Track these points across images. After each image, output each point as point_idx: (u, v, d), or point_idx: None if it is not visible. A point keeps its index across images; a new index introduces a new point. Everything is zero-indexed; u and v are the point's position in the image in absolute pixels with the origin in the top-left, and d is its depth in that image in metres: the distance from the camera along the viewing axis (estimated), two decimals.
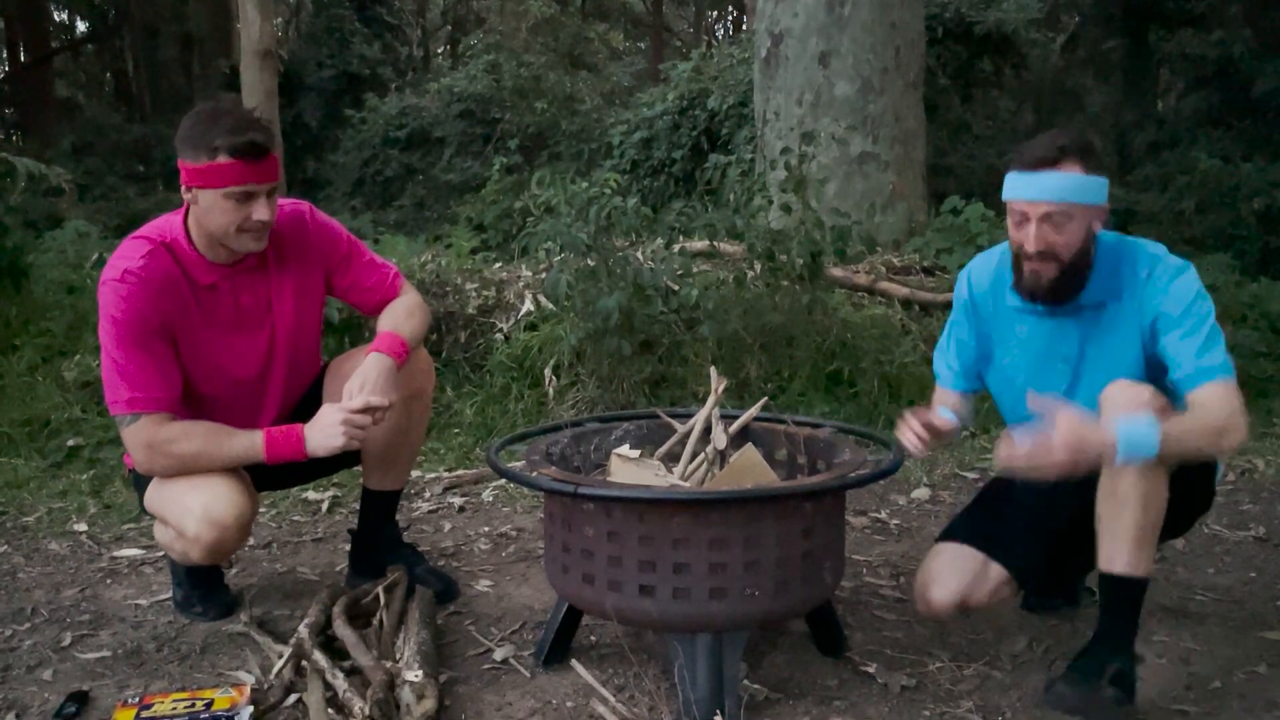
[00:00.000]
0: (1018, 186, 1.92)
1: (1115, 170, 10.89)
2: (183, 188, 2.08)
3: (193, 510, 2.09)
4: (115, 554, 2.85)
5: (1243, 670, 2.11)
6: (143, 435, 2.10)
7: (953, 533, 2.20)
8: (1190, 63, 10.38)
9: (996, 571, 2.10)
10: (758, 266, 4.45)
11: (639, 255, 4.43)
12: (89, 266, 5.07)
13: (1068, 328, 2.03)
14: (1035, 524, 2.10)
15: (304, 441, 2.09)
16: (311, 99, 14.16)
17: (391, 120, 12.91)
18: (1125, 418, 1.74)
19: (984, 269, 2.17)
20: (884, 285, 5.09)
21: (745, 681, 1.98)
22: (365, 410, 2.08)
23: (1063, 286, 1.95)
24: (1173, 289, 1.92)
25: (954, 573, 2.11)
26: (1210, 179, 8.71)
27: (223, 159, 2.01)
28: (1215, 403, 1.82)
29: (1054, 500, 1.97)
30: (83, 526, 3.08)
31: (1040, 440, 1.69)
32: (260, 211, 2.06)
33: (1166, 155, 10.04)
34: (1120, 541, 1.82)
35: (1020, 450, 1.71)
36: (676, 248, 4.64)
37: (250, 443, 2.10)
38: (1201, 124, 10.25)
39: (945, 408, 2.20)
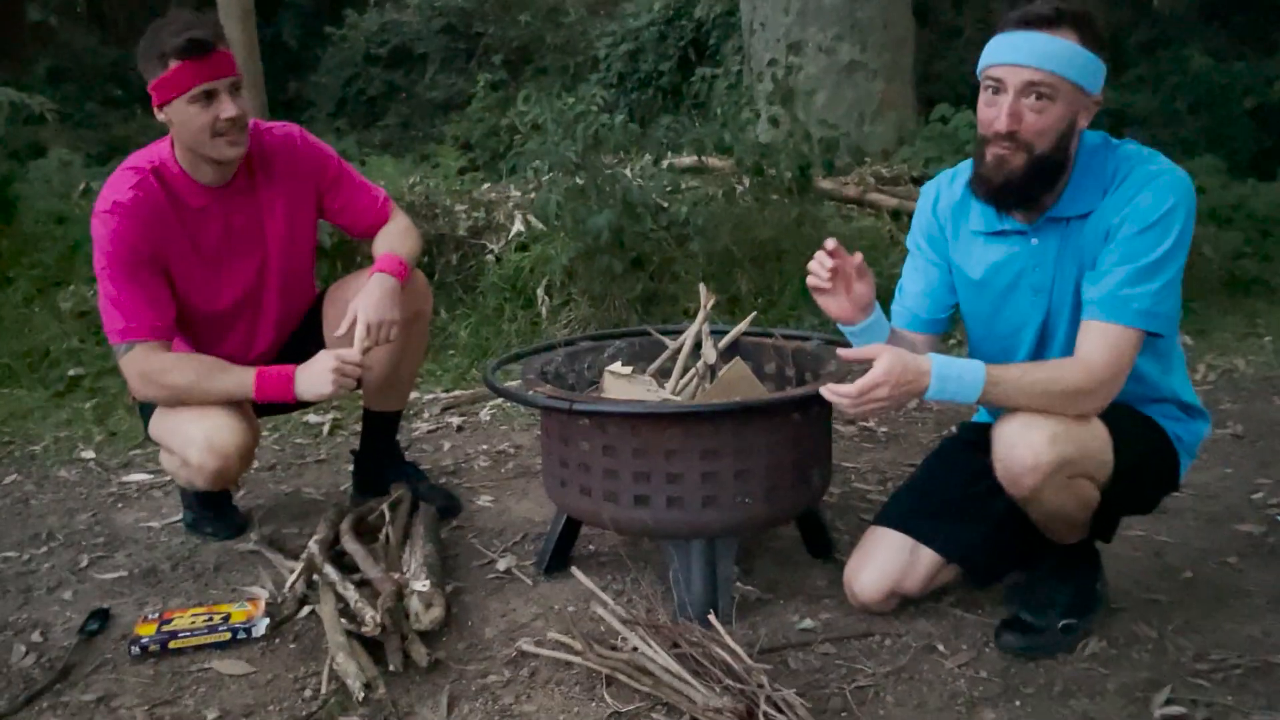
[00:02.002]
0: (999, 49, 1.64)
1: (1110, 70, 10.76)
2: (155, 111, 2.10)
3: (195, 439, 2.14)
4: (124, 479, 2.92)
5: (1214, 560, 2.21)
6: (137, 364, 2.14)
7: (883, 518, 2.00)
8: None
9: (927, 557, 1.92)
10: (746, 181, 4.45)
11: (628, 172, 4.42)
12: (76, 196, 5.04)
13: (1043, 250, 1.76)
14: (969, 506, 1.90)
15: (293, 384, 2.13)
16: (290, 17, 13.81)
17: (372, 37, 12.63)
18: (945, 357, 1.65)
19: (949, 185, 1.91)
20: (873, 196, 5.09)
21: (738, 584, 2.07)
22: (360, 364, 2.12)
23: (1027, 183, 1.67)
24: (1139, 200, 1.65)
25: (881, 561, 1.93)
26: (1202, 78, 8.62)
27: (173, 64, 2.02)
28: (1090, 356, 1.65)
29: (988, 480, 1.75)
30: (90, 454, 3.15)
31: (865, 380, 1.61)
32: (226, 108, 2.06)
33: (1160, 54, 9.90)
34: (1060, 539, 1.85)
35: (846, 391, 1.63)
36: (665, 164, 4.63)
37: (241, 380, 2.14)
38: (1195, 21, 10.09)
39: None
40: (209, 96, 2.04)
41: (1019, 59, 1.61)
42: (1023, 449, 1.65)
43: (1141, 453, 1.78)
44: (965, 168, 1.87)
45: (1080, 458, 1.67)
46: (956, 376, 1.64)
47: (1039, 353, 1.84)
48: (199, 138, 2.08)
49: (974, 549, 1.93)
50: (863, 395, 1.62)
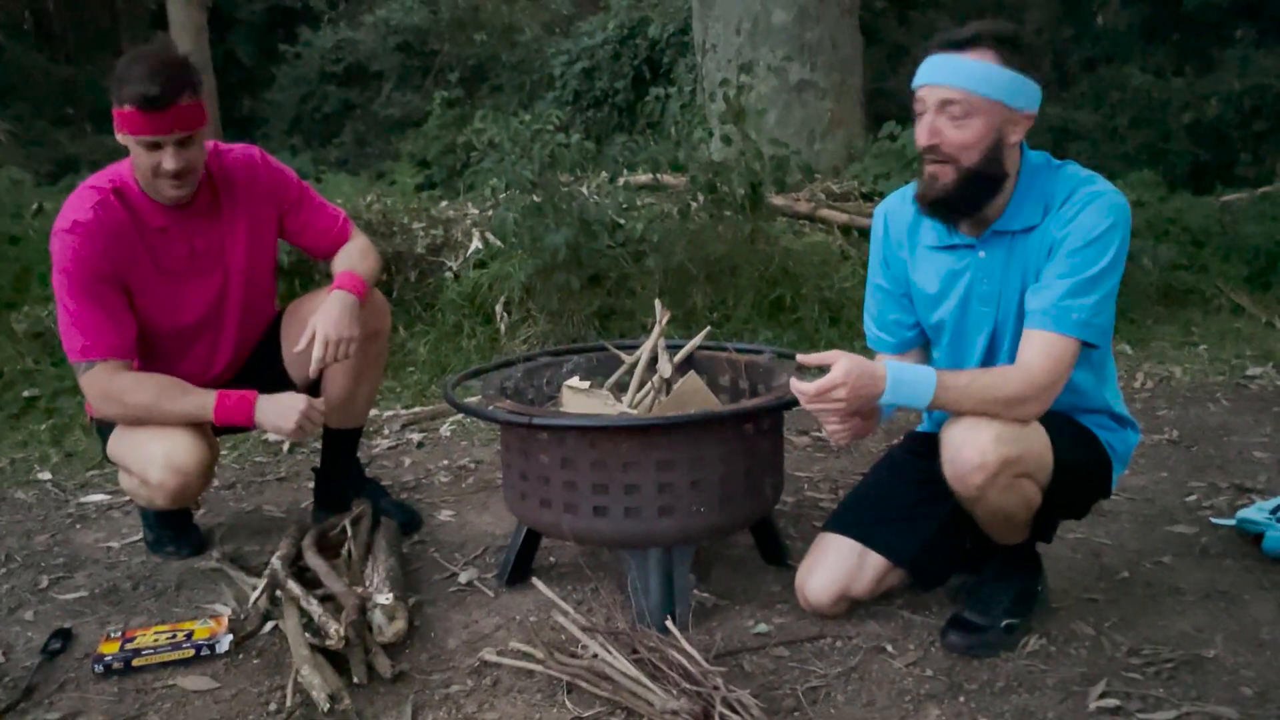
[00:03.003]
0: (920, 72, 1.76)
1: (1053, 88, 11.04)
2: (116, 133, 2.13)
3: (155, 458, 2.16)
4: (82, 500, 2.91)
5: (1150, 561, 2.30)
6: (97, 383, 2.16)
7: (832, 524, 2.06)
8: None
9: (875, 561, 1.98)
10: (700, 198, 4.54)
11: (584, 190, 4.49)
12: (30, 216, 4.99)
13: (990, 262, 1.85)
14: (915, 512, 1.98)
15: (254, 411, 2.15)
16: (243, 34, 13.73)
17: (327, 54, 12.60)
18: (900, 363, 1.75)
19: (900, 204, 1.98)
20: (824, 212, 5.20)
21: (695, 590, 2.13)
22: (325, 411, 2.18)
23: (961, 196, 1.77)
24: (1081, 218, 1.74)
25: (830, 566, 1.99)
26: (1142, 94, 8.88)
27: (127, 108, 2.05)
28: (1031, 364, 1.74)
29: (934, 487, 1.84)
30: (47, 475, 3.13)
31: (824, 381, 1.68)
32: (167, 161, 2.08)
33: (1102, 71, 10.18)
34: (1003, 539, 1.92)
35: (806, 388, 1.70)
36: (621, 182, 4.70)
37: (201, 403, 2.16)
38: (1136, 38, 10.39)
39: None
40: (155, 146, 2.07)
41: (933, 79, 1.74)
42: (969, 449, 1.73)
43: (1078, 458, 1.87)
44: (913, 187, 1.95)
45: (1022, 457, 1.75)
46: (910, 382, 1.73)
47: (988, 359, 1.92)
48: (144, 175, 2.13)
49: (920, 553, 1.99)
50: (820, 394, 1.70)
